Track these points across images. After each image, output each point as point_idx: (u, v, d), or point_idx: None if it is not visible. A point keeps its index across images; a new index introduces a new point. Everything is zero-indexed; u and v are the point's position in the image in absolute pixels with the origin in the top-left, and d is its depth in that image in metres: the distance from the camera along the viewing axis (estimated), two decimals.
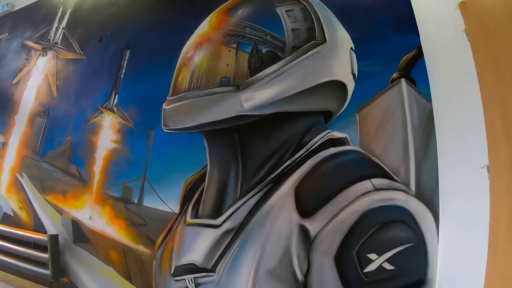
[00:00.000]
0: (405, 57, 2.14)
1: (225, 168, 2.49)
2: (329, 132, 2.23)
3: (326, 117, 2.28)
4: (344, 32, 2.34)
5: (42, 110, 3.89)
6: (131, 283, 2.81)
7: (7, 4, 5.01)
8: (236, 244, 2.31)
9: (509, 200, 1.69)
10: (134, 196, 2.87)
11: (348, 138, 2.18)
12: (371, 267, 1.96)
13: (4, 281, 3.76)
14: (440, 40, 2.13)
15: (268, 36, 2.45)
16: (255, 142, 2.44)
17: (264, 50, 2.44)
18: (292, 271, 2.11)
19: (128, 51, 3.31)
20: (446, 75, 2.09)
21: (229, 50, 2.59)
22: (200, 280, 2.42)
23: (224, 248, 2.35)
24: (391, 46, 2.19)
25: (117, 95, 3.24)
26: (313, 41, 2.31)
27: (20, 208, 3.78)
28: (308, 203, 2.14)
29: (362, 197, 2.01)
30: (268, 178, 2.32)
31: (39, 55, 4.22)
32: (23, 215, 3.72)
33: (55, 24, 4.20)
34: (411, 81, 2.11)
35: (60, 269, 3.21)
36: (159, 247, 2.69)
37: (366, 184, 2.03)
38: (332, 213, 2.04)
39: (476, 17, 1.92)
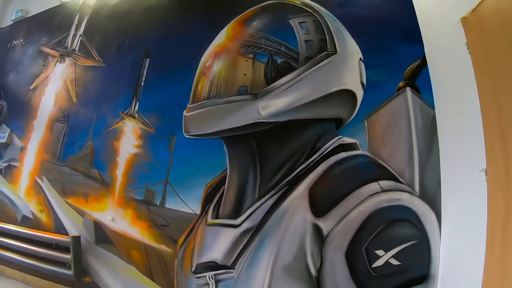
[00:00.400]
0: (410, 66, 2.41)
1: (244, 172, 2.76)
2: (340, 138, 2.51)
3: (337, 124, 2.56)
4: (354, 43, 2.62)
5: (62, 116, 4.21)
6: (153, 281, 3.10)
7: (21, 10, 5.35)
8: (255, 242, 2.59)
9: (504, 201, 1.85)
10: (156, 199, 3.15)
11: (358, 144, 2.45)
12: (378, 263, 2.22)
13: (23, 282, 4.08)
14: (443, 52, 2.36)
15: (283, 47, 2.74)
16: (272, 147, 2.71)
17: (279, 61, 2.72)
18: (306, 266, 2.37)
19: (147, 59, 3.61)
20: (448, 84, 2.33)
21: (246, 60, 2.87)
22: (220, 277, 2.70)
23: (243, 246, 2.62)
24: (397, 57, 2.47)
25: (137, 102, 3.53)
26: (325, 52, 2.60)
27: (40, 210, 4.09)
28: (321, 204, 2.41)
29: (371, 198, 2.27)
30: (284, 181, 2.59)
31: (57, 61, 4.53)
32: (43, 218, 4.04)
33: (72, 31, 4.52)
34: (416, 90, 2.38)
35: (82, 269, 3.52)
36: (180, 246, 2.97)
37: (374, 186, 2.30)
38: (343, 213, 2.31)
39: (477, 32, 2.10)
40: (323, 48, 2.63)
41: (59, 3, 4.91)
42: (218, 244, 2.75)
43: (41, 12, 5.16)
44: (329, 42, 2.63)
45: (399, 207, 2.27)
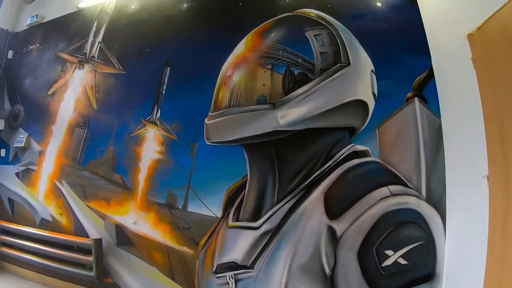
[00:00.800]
0: (418, 78, 2.74)
1: (263, 177, 3.09)
2: (353, 146, 2.85)
3: (350, 132, 2.89)
4: (366, 55, 2.96)
5: (82, 121, 4.58)
6: (174, 281, 3.47)
7: (36, 15, 5.72)
8: (273, 243, 2.92)
9: (505, 205, 2.06)
10: (178, 202, 3.50)
11: (369, 151, 2.79)
12: (388, 262, 2.54)
13: (41, 283, 4.49)
14: (449, 65, 2.64)
15: (300, 59, 3.08)
16: (289, 154, 3.03)
17: (296, 72, 3.06)
18: (321, 266, 2.70)
19: (168, 68, 3.97)
20: (453, 95, 2.61)
21: (265, 71, 3.21)
22: (239, 276, 3.05)
23: (262, 247, 2.95)
24: (406, 69, 2.80)
25: (159, 109, 3.88)
26: (339, 64, 2.94)
27: (60, 213, 4.49)
28: (335, 207, 2.74)
29: (381, 202, 2.60)
30: (301, 186, 2.92)
31: (75, 67, 4.90)
32: (63, 220, 4.44)
33: (91, 38, 4.88)
34: (423, 100, 2.71)
35: (103, 270, 3.90)
36: (202, 248, 3.32)
37: (384, 190, 2.62)
38: (356, 215, 2.64)
39: (481, 49, 2.30)
40: (337, 60, 2.97)
41: (76, 10, 5.26)
42: (239, 245, 3.09)
43: (58, 18, 5.51)
44: (343, 54, 2.97)
45: (407, 210, 2.58)
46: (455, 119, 2.60)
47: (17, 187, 5.13)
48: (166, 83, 3.95)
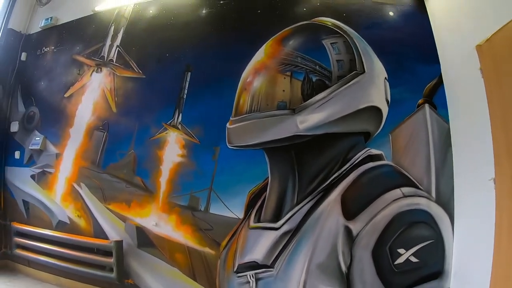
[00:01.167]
0: (429, 85, 3.12)
1: (284, 180, 3.41)
2: (368, 150, 3.20)
3: (365, 137, 3.24)
4: (379, 63, 3.32)
5: (101, 124, 4.88)
6: (196, 281, 3.79)
7: (51, 17, 5.98)
8: (293, 243, 3.24)
9: (510, 206, 2.28)
10: (201, 205, 3.82)
11: (383, 155, 3.15)
12: (400, 260, 2.90)
13: (57, 285, 4.80)
14: (458, 73, 2.96)
15: (317, 66, 3.43)
16: (309, 158, 3.35)
17: (314, 79, 3.41)
18: (338, 264, 3.05)
19: (189, 73, 4.29)
20: (462, 102, 2.92)
21: (284, 78, 3.54)
22: (260, 275, 3.38)
23: (282, 247, 3.28)
24: (417, 76, 3.18)
25: (180, 114, 4.20)
26: (354, 72, 3.30)
27: (78, 216, 4.78)
28: (351, 208, 3.08)
29: (394, 203, 2.95)
30: (320, 188, 3.24)
31: (93, 70, 5.19)
32: (82, 223, 4.74)
33: (108, 42, 5.16)
34: (433, 106, 3.07)
35: (124, 272, 4.24)
36: (224, 248, 3.65)
37: (397, 192, 2.98)
38: (370, 216, 2.99)
39: (490, 59, 2.52)
40: (353, 67, 3.33)
41: (92, 13, 5.55)
42: (259, 245, 3.42)
43: (73, 20, 5.79)
44: (358, 62, 3.33)
45: (418, 211, 2.93)
46: (463, 125, 2.92)
47: (33, 189, 5.41)
48: (187, 88, 4.31)
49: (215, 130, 3.91)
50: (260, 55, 3.81)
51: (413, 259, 2.88)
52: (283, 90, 3.52)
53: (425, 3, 3.37)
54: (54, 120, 5.48)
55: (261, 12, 4.13)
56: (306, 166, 3.39)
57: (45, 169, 5.38)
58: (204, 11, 4.55)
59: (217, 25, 4.43)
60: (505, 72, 2.41)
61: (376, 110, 3.25)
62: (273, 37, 3.80)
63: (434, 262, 2.90)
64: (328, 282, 3.10)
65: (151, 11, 4.99)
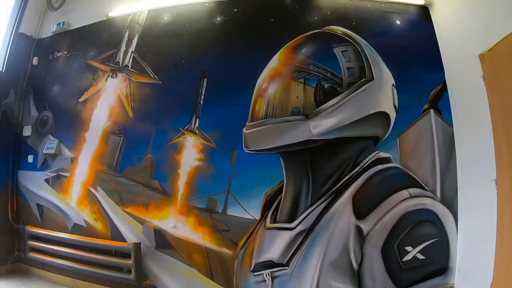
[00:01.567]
0: (433, 91, 3.48)
1: (298, 182, 3.75)
2: (377, 153, 3.56)
3: (375, 141, 3.58)
4: (387, 70, 3.68)
5: (117, 129, 5.22)
6: (213, 281, 4.13)
7: (63, 22, 6.29)
8: (307, 242, 3.56)
9: (511, 206, 2.50)
10: (218, 207, 4.20)
11: (392, 157, 3.49)
12: (407, 257, 3.23)
13: (72, 287, 5.11)
14: (461, 80, 3.27)
15: (329, 74, 3.78)
16: (322, 161, 3.67)
17: (326, 86, 3.76)
18: (349, 261, 3.37)
19: (205, 79, 4.66)
20: (465, 108, 3.24)
21: (298, 84, 3.89)
22: (276, 274, 3.71)
23: (297, 246, 3.60)
24: (422, 83, 3.55)
25: (197, 119, 4.58)
26: (364, 79, 3.66)
27: (94, 219, 5.09)
28: (362, 208, 3.41)
29: (401, 203, 3.28)
30: (332, 189, 3.61)
31: (108, 76, 5.50)
32: (98, 226, 5.05)
33: (123, 47, 5.49)
34: (438, 111, 3.40)
35: (142, 273, 4.56)
36: (241, 248, 3.99)
37: (404, 193, 3.32)
38: (380, 215, 3.31)
39: (492, 68, 2.76)
40: (362, 75, 3.69)
41: (106, 18, 5.86)
42: (275, 245, 3.75)
43: (86, 26, 6.10)
44: (367, 70, 3.69)
45: (424, 210, 3.27)
46: (466, 129, 3.25)
47: (47, 193, 5.72)
48: (203, 93, 4.66)
49: (231, 135, 4.24)
50: (274, 62, 4.19)
51: (420, 256, 3.21)
52: (297, 97, 3.87)
53: (430, 13, 3.75)
54: (69, 124, 5.77)
55: (274, 20, 4.54)
56: (319, 169, 3.74)
57: (60, 173, 5.69)
58: (218, 19, 4.93)
59: (231, 33, 4.80)
60: (506, 80, 2.65)
61: (385, 115, 3.58)
62: (286, 45, 4.16)
63: (439, 259, 3.22)
64: (340, 279, 3.42)
65: (165, 18, 5.36)
